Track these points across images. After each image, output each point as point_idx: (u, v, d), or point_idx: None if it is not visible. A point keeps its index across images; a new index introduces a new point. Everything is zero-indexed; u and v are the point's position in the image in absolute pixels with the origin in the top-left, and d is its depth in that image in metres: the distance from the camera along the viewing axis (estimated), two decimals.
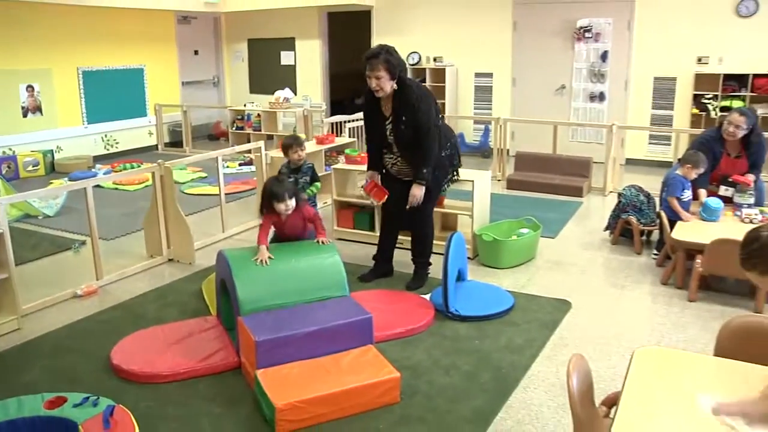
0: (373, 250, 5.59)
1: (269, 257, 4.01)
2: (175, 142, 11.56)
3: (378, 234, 6.06)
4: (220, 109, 12.41)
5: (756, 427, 2.09)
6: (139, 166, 8.82)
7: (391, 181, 5.04)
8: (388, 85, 4.63)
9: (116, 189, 8.43)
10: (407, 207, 4.90)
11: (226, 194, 6.61)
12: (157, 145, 11.58)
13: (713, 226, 5.14)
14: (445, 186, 5.24)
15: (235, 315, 3.89)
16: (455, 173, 5.22)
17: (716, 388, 2.40)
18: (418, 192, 4.81)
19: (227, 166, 9.52)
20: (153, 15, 11.06)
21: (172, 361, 3.86)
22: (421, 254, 5.21)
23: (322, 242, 4.28)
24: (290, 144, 5.48)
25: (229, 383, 3.73)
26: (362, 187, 5.17)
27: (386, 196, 4.98)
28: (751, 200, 5.49)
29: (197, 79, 12.58)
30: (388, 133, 4.85)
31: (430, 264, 5.26)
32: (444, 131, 4.99)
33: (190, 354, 3.93)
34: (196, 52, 12.56)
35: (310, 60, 12.15)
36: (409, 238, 5.53)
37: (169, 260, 5.78)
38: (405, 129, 4.72)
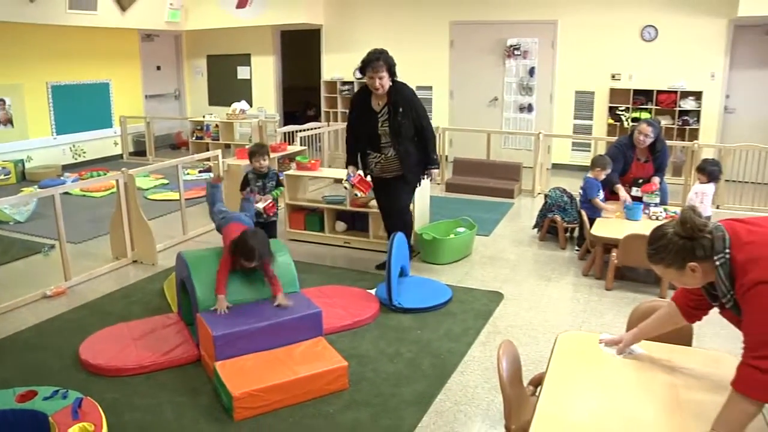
0: (324, 249, 5.56)
1: (228, 306, 3.75)
2: (139, 152, 11.30)
3: (329, 234, 6.10)
4: (181, 120, 12.19)
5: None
6: (105, 174, 8.64)
7: (373, 181, 5.13)
8: (388, 83, 4.81)
9: (84, 196, 8.21)
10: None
11: (186, 199, 6.53)
12: (122, 155, 11.31)
13: (626, 223, 5.27)
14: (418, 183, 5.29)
15: (194, 312, 3.84)
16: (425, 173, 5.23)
17: (627, 365, 2.48)
18: (436, 172, 5.28)
19: (188, 174, 9.37)
20: (118, 33, 10.82)
21: (137, 355, 3.79)
22: None
23: (280, 302, 3.84)
24: (254, 152, 5.23)
25: (190, 374, 3.68)
26: (347, 180, 5.08)
27: (370, 189, 5.01)
28: (657, 200, 5.68)
29: (160, 92, 12.34)
30: (380, 125, 4.90)
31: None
32: None
33: (154, 348, 3.87)
34: (158, 68, 12.32)
35: (264, 74, 12.05)
36: (360, 238, 5.57)
37: (134, 261, 5.67)
38: (402, 120, 4.84)
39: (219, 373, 3.37)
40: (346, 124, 5.32)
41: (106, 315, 4.54)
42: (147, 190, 8.49)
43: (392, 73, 4.83)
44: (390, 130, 4.89)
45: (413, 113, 4.91)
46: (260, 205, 5.06)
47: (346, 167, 5.19)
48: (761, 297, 1.98)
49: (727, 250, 2.06)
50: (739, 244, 2.06)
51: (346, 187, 5.20)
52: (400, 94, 4.90)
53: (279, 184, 5.43)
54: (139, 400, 3.43)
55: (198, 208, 7.51)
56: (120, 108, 11.25)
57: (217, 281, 3.80)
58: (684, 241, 2.12)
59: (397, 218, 5.20)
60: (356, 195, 5.18)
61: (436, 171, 5.25)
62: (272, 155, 7.38)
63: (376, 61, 4.75)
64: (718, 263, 2.07)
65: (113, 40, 10.88)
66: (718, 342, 3.78)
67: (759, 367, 1.96)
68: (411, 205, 5.41)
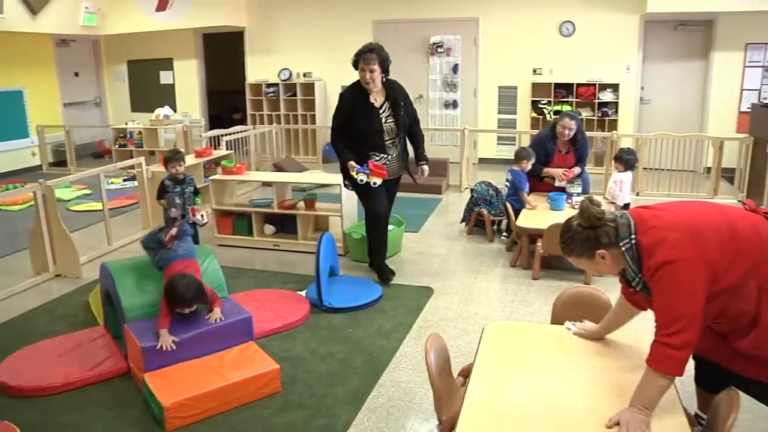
0: (253, 253, 5.43)
1: (174, 341, 3.51)
2: (60, 162, 10.93)
3: (257, 237, 6.03)
4: (103, 128, 11.86)
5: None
6: (22, 187, 8.32)
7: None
8: (379, 78, 4.77)
9: (0, 210, 7.92)
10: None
11: (111, 209, 6.35)
12: (41, 165, 10.91)
13: (550, 213, 5.44)
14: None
15: (121, 323, 3.76)
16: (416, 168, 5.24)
17: (551, 351, 2.57)
18: (426, 168, 5.13)
19: (112, 182, 9.14)
20: (30, 38, 10.38)
21: (63, 372, 3.67)
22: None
23: (213, 316, 3.73)
24: (170, 158, 5.18)
25: (119, 388, 3.60)
26: (359, 172, 4.74)
27: (386, 175, 4.83)
28: (579, 189, 5.87)
29: (79, 100, 11.96)
30: (384, 120, 4.86)
31: None
32: None
33: (80, 363, 3.76)
34: (76, 74, 11.94)
35: (187, 78, 11.85)
36: (289, 241, 5.54)
37: (56, 276, 5.48)
38: (404, 114, 4.89)
39: (148, 384, 3.31)
40: (330, 127, 5.03)
41: (28, 333, 4.37)
42: (69, 201, 8.24)
43: (384, 69, 4.77)
44: (396, 124, 4.89)
45: (410, 108, 4.99)
46: (200, 219, 5.02)
47: (345, 167, 4.86)
48: (667, 277, 2.10)
49: (633, 236, 2.18)
50: (644, 228, 2.19)
51: (361, 180, 4.74)
52: (396, 89, 4.92)
53: (196, 192, 5.33)
54: (66, 418, 3.33)
55: (124, 218, 7.35)
56: (36, 117, 10.82)
57: (159, 318, 3.59)
58: (587, 231, 2.24)
59: (387, 221, 5.20)
60: (374, 183, 4.77)
61: (427, 167, 5.15)
62: (198, 160, 7.29)
63: (369, 52, 4.68)
64: (624, 249, 2.19)
65: (25, 45, 10.45)
66: (640, 323, 3.94)
67: (670, 343, 2.08)
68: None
